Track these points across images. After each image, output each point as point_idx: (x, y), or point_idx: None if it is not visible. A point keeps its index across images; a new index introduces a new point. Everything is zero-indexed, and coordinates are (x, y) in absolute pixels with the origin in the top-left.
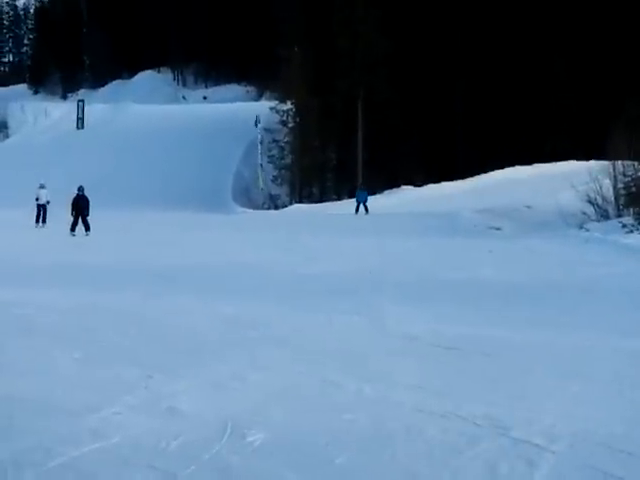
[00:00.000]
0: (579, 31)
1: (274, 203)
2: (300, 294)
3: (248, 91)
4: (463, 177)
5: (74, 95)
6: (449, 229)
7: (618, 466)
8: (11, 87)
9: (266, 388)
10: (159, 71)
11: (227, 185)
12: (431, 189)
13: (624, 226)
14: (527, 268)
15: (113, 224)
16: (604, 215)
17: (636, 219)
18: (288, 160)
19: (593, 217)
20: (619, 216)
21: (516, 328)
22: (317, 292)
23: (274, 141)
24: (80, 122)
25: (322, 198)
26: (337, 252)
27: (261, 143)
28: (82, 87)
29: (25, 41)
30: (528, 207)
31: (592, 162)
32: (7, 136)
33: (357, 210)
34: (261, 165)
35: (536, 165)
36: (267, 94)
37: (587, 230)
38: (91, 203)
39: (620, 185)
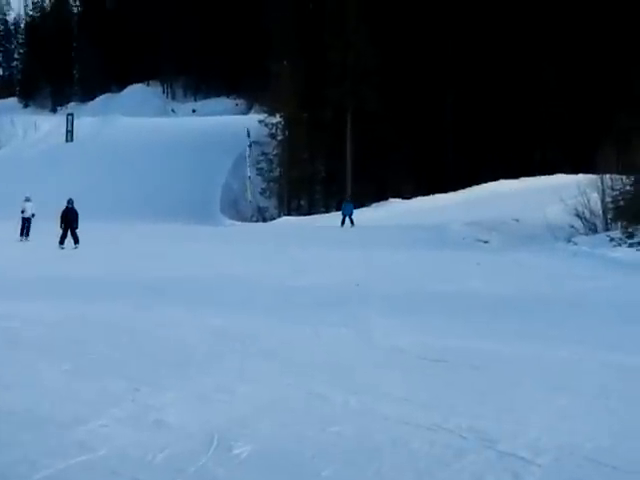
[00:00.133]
0: (569, 43)
1: (262, 215)
2: (288, 306)
3: (237, 104)
4: (452, 189)
5: (64, 108)
6: (437, 242)
7: None
8: (1, 101)
9: (253, 400)
10: (148, 84)
11: (216, 197)
12: (419, 201)
13: (612, 240)
14: (515, 281)
15: (102, 236)
16: (592, 229)
17: (624, 233)
18: (277, 173)
19: (581, 231)
20: (607, 230)
21: (504, 341)
22: (305, 304)
23: (263, 154)
24: (69, 135)
25: (311, 210)
26: (325, 265)
27: (249, 156)
28: (72, 101)
29: (15, 55)
30: (516, 220)
31: (581, 176)
32: None
33: (343, 223)
34: (250, 177)
35: (524, 178)
36: (256, 107)
37: (575, 244)
38: (80, 215)
39: (608, 199)
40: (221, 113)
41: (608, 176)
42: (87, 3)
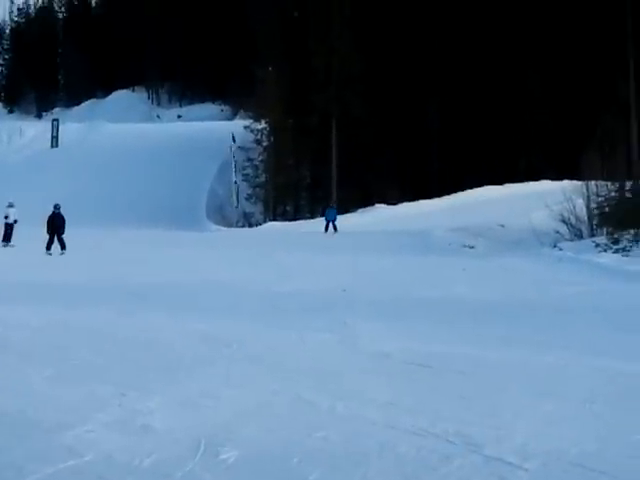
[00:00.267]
0: (553, 50)
1: (248, 221)
2: (274, 312)
3: (222, 110)
4: (438, 195)
5: (49, 114)
6: (423, 247)
7: None
8: None
9: (239, 406)
10: (134, 90)
11: (201, 203)
12: (405, 207)
13: (597, 245)
14: (501, 287)
15: (87, 242)
16: (577, 234)
17: (609, 239)
18: (262, 178)
19: (567, 236)
20: (592, 236)
21: (490, 346)
22: (291, 310)
23: (248, 160)
24: (54, 141)
25: (296, 216)
26: (311, 270)
27: (235, 161)
28: (57, 106)
29: (0, 61)
30: (502, 226)
31: (566, 182)
32: None
33: (326, 229)
34: (235, 183)
35: (510, 184)
36: (241, 113)
37: (560, 249)
38: (66, 221)
39: (593, 205)
40: (206, 119)
41: (593, 182)
42: (72, 9)
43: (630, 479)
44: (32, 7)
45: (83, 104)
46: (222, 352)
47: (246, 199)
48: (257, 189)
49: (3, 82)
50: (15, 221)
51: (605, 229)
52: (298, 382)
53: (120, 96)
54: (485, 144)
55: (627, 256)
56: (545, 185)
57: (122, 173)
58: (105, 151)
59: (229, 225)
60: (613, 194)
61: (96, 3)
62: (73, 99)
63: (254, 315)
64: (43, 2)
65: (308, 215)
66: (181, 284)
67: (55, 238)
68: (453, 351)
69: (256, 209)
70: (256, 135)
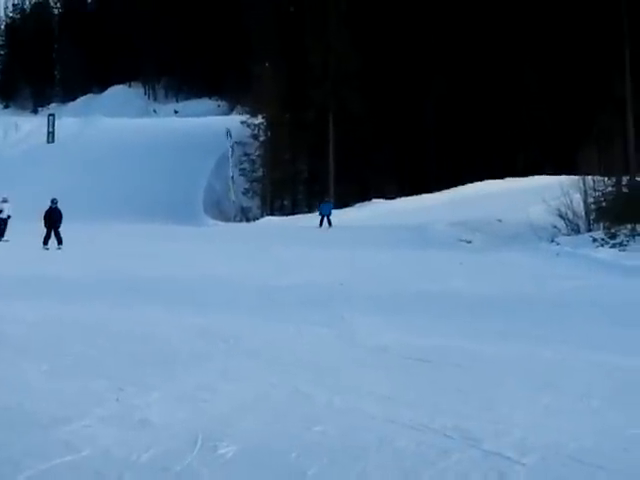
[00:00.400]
0: (550, 46)
1: (245, 216)
2: (271, 306)
3: (219, 105)
4: (435, 189)
5: (45, 109)
6: (420, 242)
7: (589, 479)
8: None
9: (237, 400)
10: (130, 85)
11: (198, 198)
12: (403, 202)
13: (594, 240)
14: (498, 281)
15: (83, 236)
16: (575, 229)
17: (606, 234)
18: (259, 173)
19: (564, 231)
20: (590, 230)
21: (487, 340)
22: (288, 304)
23: (245, 154)
24: (50, 136)
25: (294, 210)
26: (308, 264)
27: (232, 156)
28: (53, 101)
29: None
30: (499, 220)
31: (563, 177)
32: None
33: (321, 223)
34: (232, 178)
35: (507, 179)
36: (238, 108)
37: (558, 244)
38: (62, 216)
39: (590, 200)
40: (203, 114)
41: (590, 177)
42: (67, 4)
43: (627, 473)
44: (27, 3)
45: (79, 99)
46: (219, 346)
47: (243, 194)
48: (254, 184)
49: None
50: (9, 216)
51: (602, 224)
52: (296, 376)
53: (116, 91)
54: (483, 139)
55: (624, 251)
56: (542, 180)
57: (119, 168)
58: (101, 146)
59: (226, 220)
60: (610, 189)
61: None
62: (69, 94)
63: (251, 309)
64: None
65: (306, 209)
66: (178, 278)
67: (52, 233)
68: (451, 345)
69: (253, 204)
70: (253, 130)
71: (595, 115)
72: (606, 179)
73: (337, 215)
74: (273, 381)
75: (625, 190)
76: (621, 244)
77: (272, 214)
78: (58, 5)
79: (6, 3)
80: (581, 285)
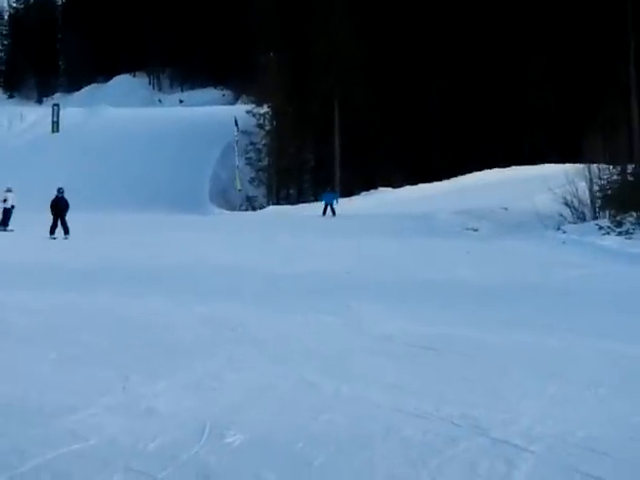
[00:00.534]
0: (555, 33)
1: (251, 204)
2: (277, 295)
3: (224, 95)
4: (441, 178)
5: (49, 99)
6: (426, 230)
7: (596, 467)
8: None
9: (244, 389)
10: (135, 75)
11: (204, 187)
12: (408, 190)
13: (600, 228)
14: (504, 269)
15: (88, 226)
16: (580, 217)
17: (612, 222)
18: (265, 162)
19: (570, 219)
20: (595, 218)
21: (493, 329)
22: (294, 292)
23: (251, 144)
24: (55, 126)
25: (300, 199)
26: (314, 253)
27: (237, 145)
28: (57, 91)
29: (0, 46)
30: (505, 209)
31: (568, 165)
32: None
33: (324, 212)
34: (238, 167)
35: (513, 167)
36: (243, 98)
37: (564, 232)
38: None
39: (596, 188)
40: (208, 104)
41: (595, 165)
42: None
43: (634, 462)
44: None
45: (84, 89)
46: (225, 335)
47: (249, 183)
48: (260, 172)
49: (3, 68)
50: (12, 206)
51: (608, 212)
52: (302, 365)
53: (121, 81)
54: (488, 127)
55: (630, 239)
56: (548, 168)
57: (124, 158)
58: (106, 136)
59: (232, 209)
60: (615, 177)
61: None
62: (74, 84)
63: (258, 298)
64: None
65: (312, 198)
66: (184, 267)
67: (59, 222)
68: (457, 333)
69: (259, 192)
70: (258, 119)
71: (600, 103)
72: (611, 167)
73: (343, 204)
74: (279, 370)
75: (630, 178)
76: (627, 232)
77: (278, 203)
78: None
79: None
80: (587, 273)
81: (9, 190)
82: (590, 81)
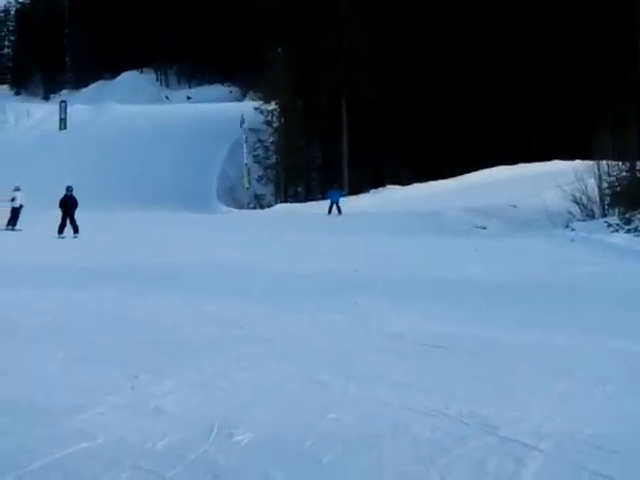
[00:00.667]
0: (564, 29)
1: (259, 202)
2: (285, 293)
3: (232, 91)
4: (449, 175)
5: (56, 96)
6: (435, 228)
7: (604, 464)
8: None
9: (252, 387)
10: (142, 72)
11: (212, 185)
12: (417, 188)
13: (609, 225)
14: (513, 267)
15: (96, 224)
16: (589, 215)
17: (621, 219)
18: (273, 160)
19: (579, 216)
20: (604, 216)
21: (502, 327)
22: (302, 291)
23: (259, 141)
24: (62, 123)
25: (308, 197)
26: (322, 251)
27: (246, 143)
28: (64, 88)
29: (6, 43)
30: (514, 206)
31: (577, 162)
32: None
33: (330, 210)
34: (246, 165)
35: (522, 165)
36: (251, 94)
37: (573, 229)
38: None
39: (605, 185)
40: (215, 100)
41: (604, 162)
42: None
43: None
44: None
45: (91, 86)
46: (233, 334)
47: (257, 180)
48: (268, 170)
49: (9, 64)
50: (21, 205)
51: (617, 209)
52: (311, 363)
53: (128, 77)
54: (496, 125)
55: (639, 236)
56: (556, 165)
57: (131, 155)
58: (113, 133)
59: (240, 207)
60: (624, 174)
61: None
62: (81, 81)
63: (265, 297)
64: None
65: (319, 196)
66: (192, 266)
67: (68, 221)
68: (466, 332)
69: (267, 190)
70: (266, 116)
71: (609, 101)
72: (620, 164)
73: (351, 202)
74: (287, 368)
75: (639, 175)
76: (636, 229)
77: (286, 201)
78: None
79: None
80: (596, 271)
81: (17, 189)
82: (599, 79)
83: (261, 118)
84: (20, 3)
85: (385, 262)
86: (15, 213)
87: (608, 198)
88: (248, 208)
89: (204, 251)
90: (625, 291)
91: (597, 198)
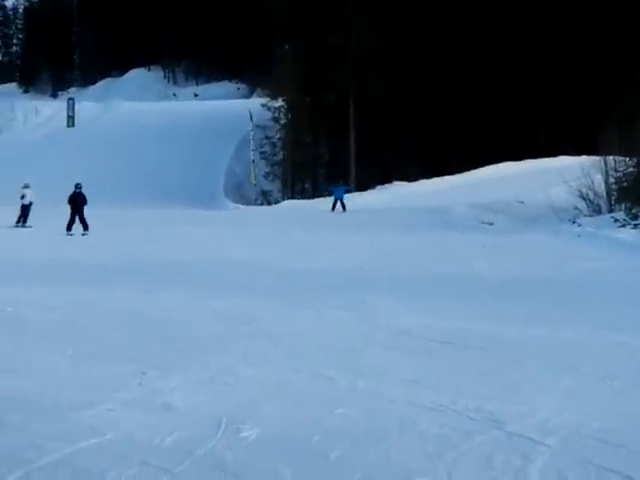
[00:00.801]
0: (572, 25)
1: (266, 199)
2: (292, 289)
3: (239, 88)
4: (456, 171)
5: (64, 93)
6: (442, 224)
7: (611, 459)
8: (0, 86)
9: (259, 383)
10: (149, 69)
11: (219, 181)
12: (423, 184)
13: (616, 221)
14: (520, 262)
15: (104, 221)
16: (596, 210)
17: (628, 214)
18: (280, 156)
19: (585, 212)
20: (611, 211)
21: (509, 322)
22: (309, 287)
23: (266, 138)
24: (70, 120)
25: (315, 194)
26: (329, 248)
27: (253, 139)
28: (72, 85)
29: (14, 40)
30: (521, 202)
31: (584, 157)
32: None
33: (334, 207)
34: (253, 161)
35: (528, 160)
36: (258, 91)
37: (579, 225)
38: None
39: (612, 180)
40: (223, 97)
41: (611, 158)
42: None
43: None
44: None
45: (98, 83)
46: (240, 330)
47: (264, 177)
48: (275, 167)
49: (18, 62)
50: (31, 202)
51: (624, 204)
52: (318, 359)
53: (136, 75)
54: (504, 121)
55: None
56: (563, 161)
57: (138, 152)
58: (121, 130)
59: (247, 203)
60: (631, 169)
61: None
62: (88, 78)
63: (272, 293)
64: None
65: (326, 193)
66: (199, 262)
67: (77, 218)
68: (473, 327)
69: (274, 187)
70: (273, 113)
71: (616, 97)
72: (627, 159)
73: (357, 198)
74: (295, 364)
75: None
76: None
77: (293, 197)
78: None
79: None
80: (602, 266)
81: (26, 186)
82: (606, 75)
83: (268, 115)
84: (28, 1)
85: (392, 258)
86: (25, 210)
87: (615, 194)
88: (255, 204)
89: (212, 248)
90: (632, 286)
91: (604, 194)
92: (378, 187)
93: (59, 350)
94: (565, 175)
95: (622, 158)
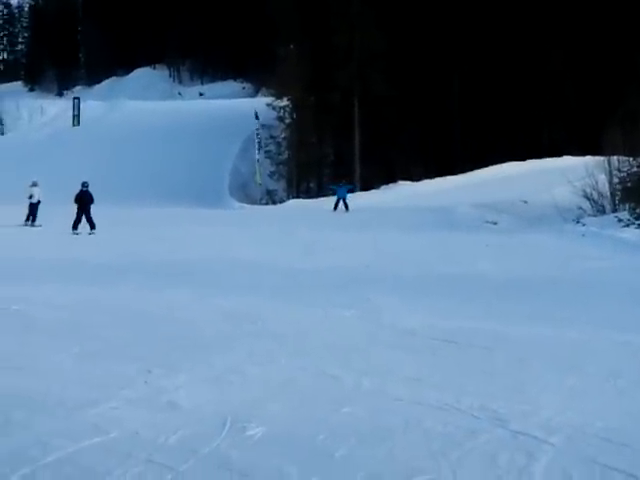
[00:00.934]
0: (575, 25)
1: (272, 198)
2: (297, 289)
3: (244, 87)
4: (460, 171)
5: (70, 92)
6: (446, 224)
7: (615, 458)
8: (6, 85)
9: (265, 382)
10: (155, 68)
11: (224, 181)
12: (428, 184)
13: (620, 220)
14: (524, 262)
15: (109, 220)
16: (600, 210)
17: (632, 214)
18: (285, 156)
19: (589, 212)
20: (615, 211)
21: (513, 322)
22: (314, 287)
23: (271, 137)
24: (76, 119)
25: (320, 193)
26: (334, 247)
27: (258, 139)
28: (77, 84)
29: (20, 39)
30: (525, 202)
31: (588, 157)
32: (2, 133)
33: (336, 207)
34: (258, 160)
35: (532, 160)
36: (263, 90)
37: (583, 225)
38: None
39: (615, 180)
40: (228, 96)
41: (615, 158)
42: None
43: None
44: None
45: (104, 82)
46: (246, 329)
47: (269, 176)
48: (280, 166)
49: (23, 60)
50: (39, 201)
51: (628, 204)
52: (323, 358)
53: (141, 74)
54: (507, 121)
55: None
56: (567, 160)
57: (144, 151)
58: (126, 129)
59: (252, 202)
60: (635, 169)
61: None
62: (94, 77)
63: (278, 292)
64: None
65: (331, 192)
66: (205, 261)
67: (83, 217)
68: (477, 327)
69: (279, 186)
70: (278, 112)
71: (620, 97)
72: (631, 159)
73: (361, 197)
74: (300, 363)
75: None
76: None
77: (298, 197)
78: None
79: None
80: (606, 266)
81: (34, 185)
82: (610, 75)
83: (273, 114)
84: (34, 0)
85: (396, 258)
86: (33, 209)
87: (619, 193)
88: (260, 204)
89: (218, 247)
90: (636, 286)
91: (608, 193)
92: (382, 187)
93: (65, 348)
94: (569, 175)
95: (626, 158)
